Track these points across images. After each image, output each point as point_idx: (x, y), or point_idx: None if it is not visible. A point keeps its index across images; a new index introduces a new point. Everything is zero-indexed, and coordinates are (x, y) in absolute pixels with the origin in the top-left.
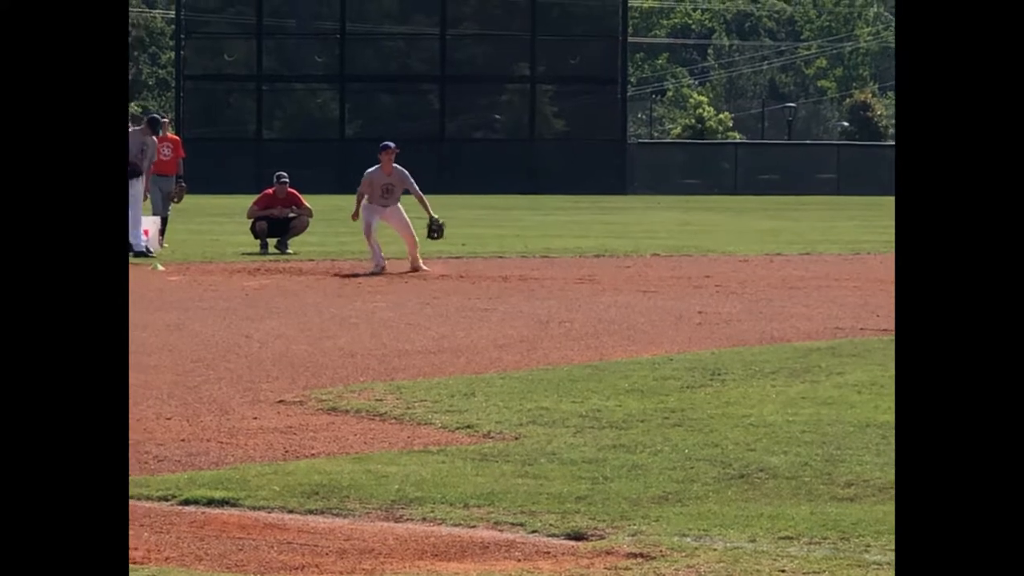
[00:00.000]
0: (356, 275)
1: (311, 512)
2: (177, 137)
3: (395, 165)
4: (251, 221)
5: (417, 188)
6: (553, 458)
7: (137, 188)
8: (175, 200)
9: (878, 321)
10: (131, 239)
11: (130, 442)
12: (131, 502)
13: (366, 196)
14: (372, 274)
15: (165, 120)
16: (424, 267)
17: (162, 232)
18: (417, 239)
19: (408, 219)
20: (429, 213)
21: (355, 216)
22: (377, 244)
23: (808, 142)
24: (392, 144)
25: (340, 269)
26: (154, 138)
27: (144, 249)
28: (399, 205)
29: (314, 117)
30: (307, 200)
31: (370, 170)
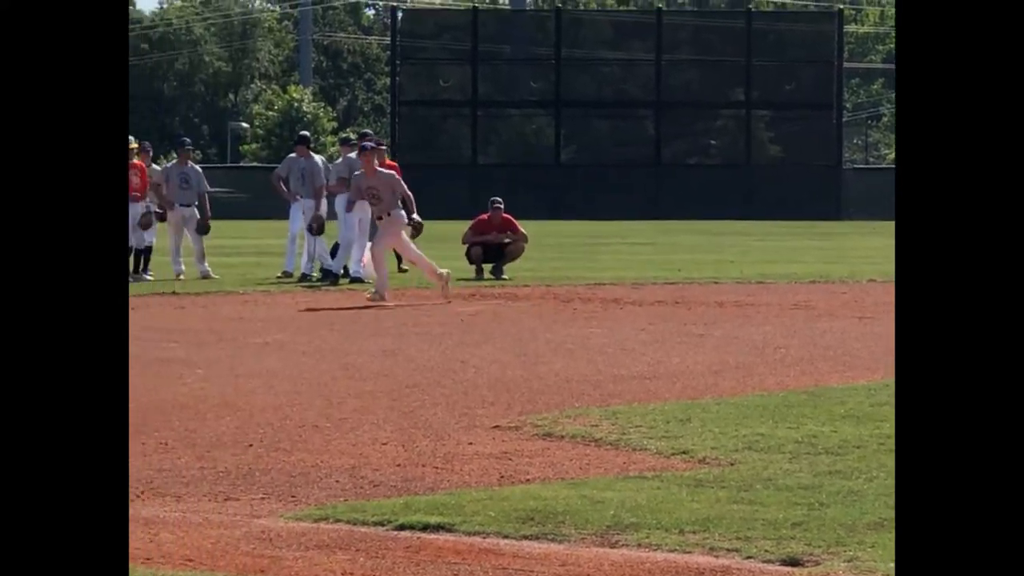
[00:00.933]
0: (377, 306)
1: (526, 537)
2: (395, 164)
3: (380, 169)
4: (466, 247)
5: (406, 189)
6: (769, 484)
7: (361, 213)
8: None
9: None
10: (352, 266)
11: (346, 467)
12: (347, 527)
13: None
14: (372, 301)
15: (382, 147)
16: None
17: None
18: (421, 257)
19: (407, 238)
20: (411, 214)
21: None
22: (384, 268)
23: None
24: (371, 143)
25: (556, 294)
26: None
27: (360, 275)
28: (395, 218)
29: (529, 142)
30: (522, 225)
31: (356, 173)
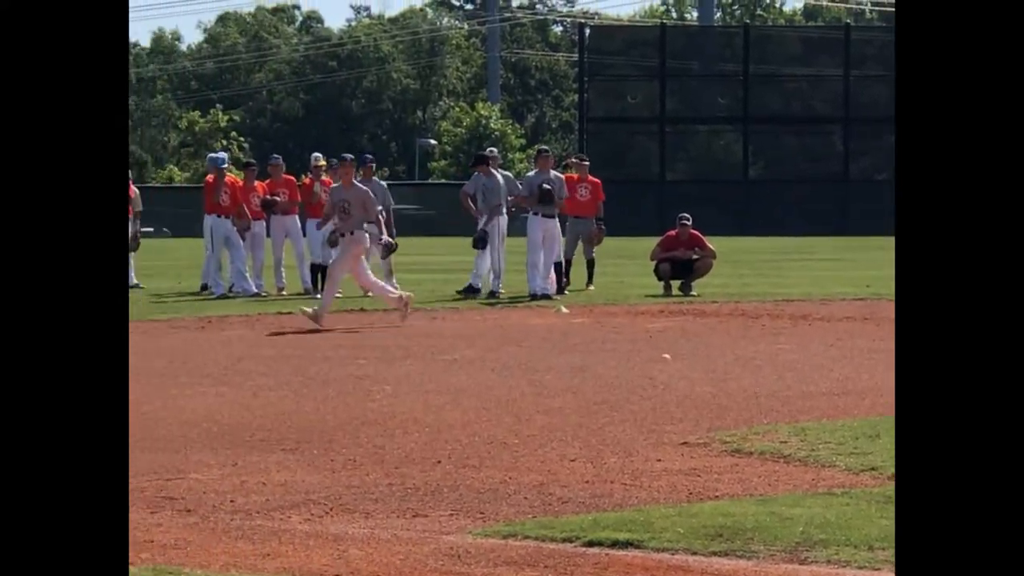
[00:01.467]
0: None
1: (715, 554)
2: (598, 180)
3: (357, 184)
4: (654, 263)
5: (379, 209)
6: None
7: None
8: (596, 243)
9: None
10: (533, 285)
11: (535, 484)
12: (535, 543)
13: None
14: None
15: (586, 162)
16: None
17: (590, 276)
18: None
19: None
20: (386, 233)
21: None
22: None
23: None
24: (349, 156)
25: (744, 311)
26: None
27: (545, 292)
28: (357, 238)
29: (717, 158)
30: (710, 241)
31: (334, 186)
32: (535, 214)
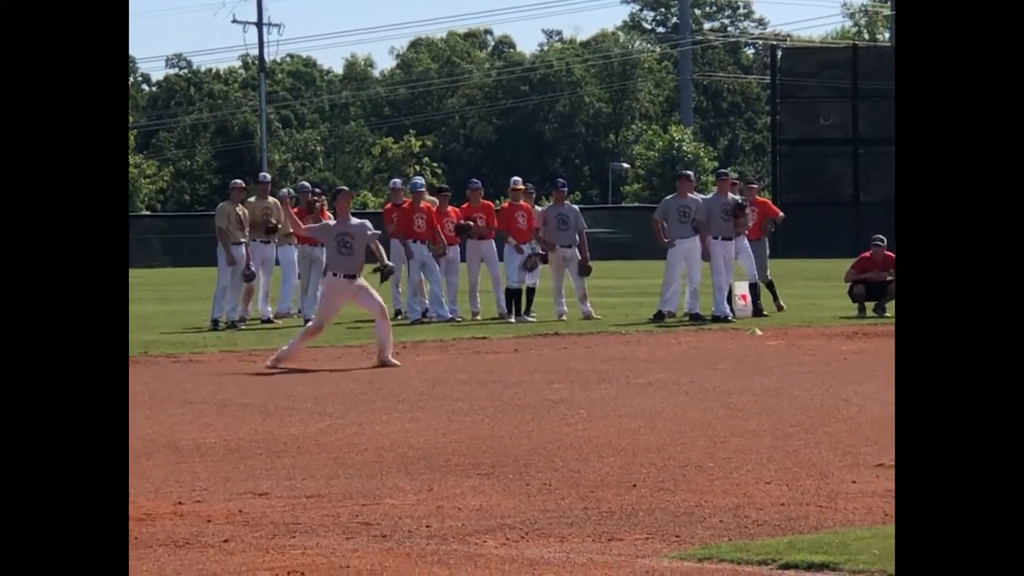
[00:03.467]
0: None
1: None
2: (765, 200)
3: (353, 218)
4: (849, 284)
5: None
6: None
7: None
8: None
9: None
10: (717, 307)
11: (730, 506)
12: (731, 566)
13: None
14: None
15: (753, 185)
16: (394, 362)
17: (775, 296)
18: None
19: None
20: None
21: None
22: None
23: None
24: (346, 188)
25: None
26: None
27: (726, 315)
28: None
29: None
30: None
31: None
32: (715, 238)
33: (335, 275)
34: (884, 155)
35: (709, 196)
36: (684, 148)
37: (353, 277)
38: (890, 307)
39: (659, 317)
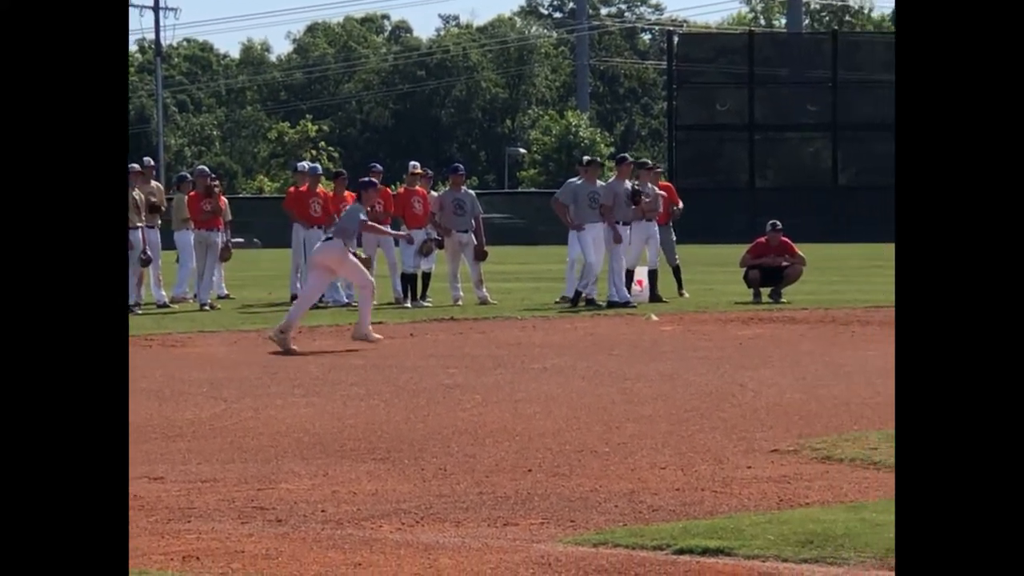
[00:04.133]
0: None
1: (806, 561)
2: (669, 184)
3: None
4: (744, 270)
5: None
6: None
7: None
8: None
9: None
10: (616, 293)
11: (625, 492)
12: (626, 551)
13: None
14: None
15: (659, 169)
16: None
17: (679, 282)
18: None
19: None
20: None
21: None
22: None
23: None
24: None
25: (834, 317)
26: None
27: (626, 300)
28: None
29: (806, 165)
30: (800, 248)
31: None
32: (617, 222)
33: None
34: (780, 141)
35: (611, 181)
36: (580, 133)
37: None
38: (786, 292)
39: (576, 300)
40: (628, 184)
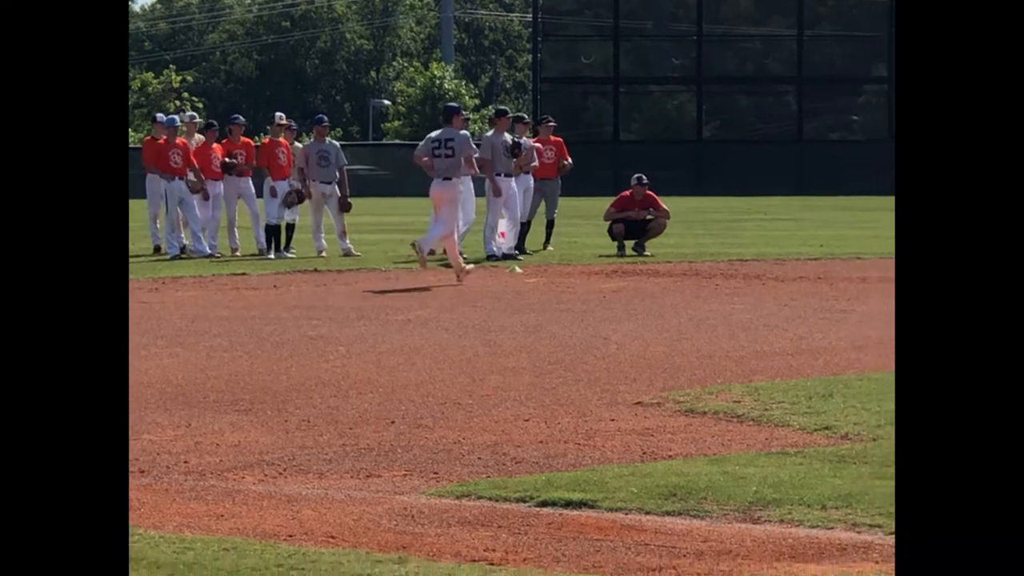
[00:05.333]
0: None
1: (668, 514)
2: (560, 139)
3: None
4: (608, 223)
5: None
6: None
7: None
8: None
9: None
10: (488, 245)
11: (488, 444)
12: (489, 503)
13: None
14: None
15: (552, 123)
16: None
17: (548, 237)
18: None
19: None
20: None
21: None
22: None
23: None
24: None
25: (698, 271)
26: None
27: (496, 252)
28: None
29: (671, 119)
30: (664, 202)
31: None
32: (497, 175)
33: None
34: (644, 94)
35: (490, 134)
36: (445, 85)
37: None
38: (650, 245)
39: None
40: (508, 137)
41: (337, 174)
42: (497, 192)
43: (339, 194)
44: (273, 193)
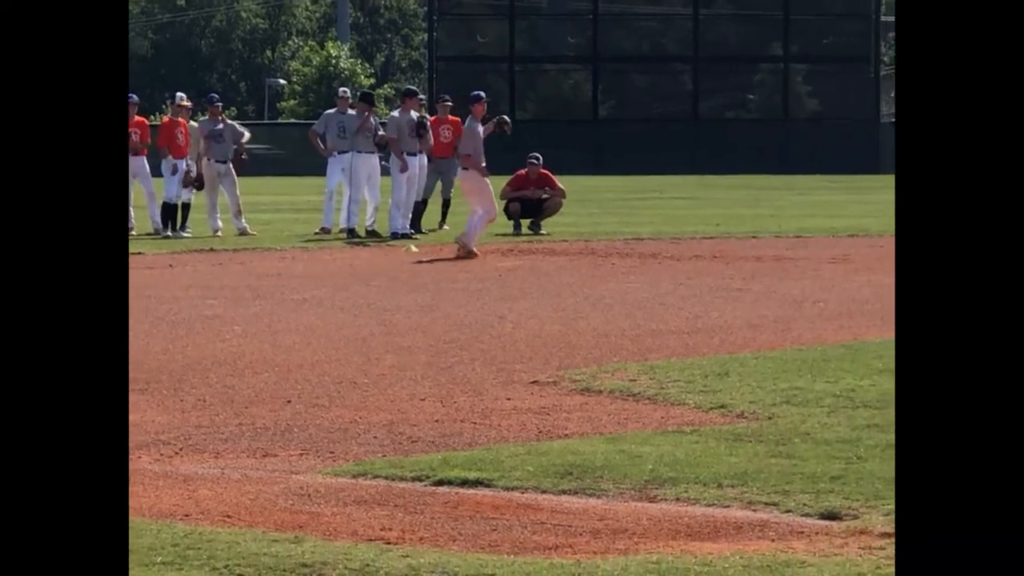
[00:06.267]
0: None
1: (564, 492)
2: (457, 119)
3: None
4: (504, 202)
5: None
6: (807, 438)
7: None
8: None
9: None
10: (394, 223)
11: (384, 423)
12: (385, 483)
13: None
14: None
15: (449, 103)
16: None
17: (444, 216)
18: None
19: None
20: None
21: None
22: None
23: None
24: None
25: (594, 249)
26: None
27: (405, 231)
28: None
29: (567, 98)
30: (560, 181)
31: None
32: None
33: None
34: (540, 73)
35: (396, 113)
36: (341, 65)
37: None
38: (546, 224)
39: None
40: (414, 115)
41: (232, 152)
42: (403, 169)
43: (234, 173)
44: (173, 171)
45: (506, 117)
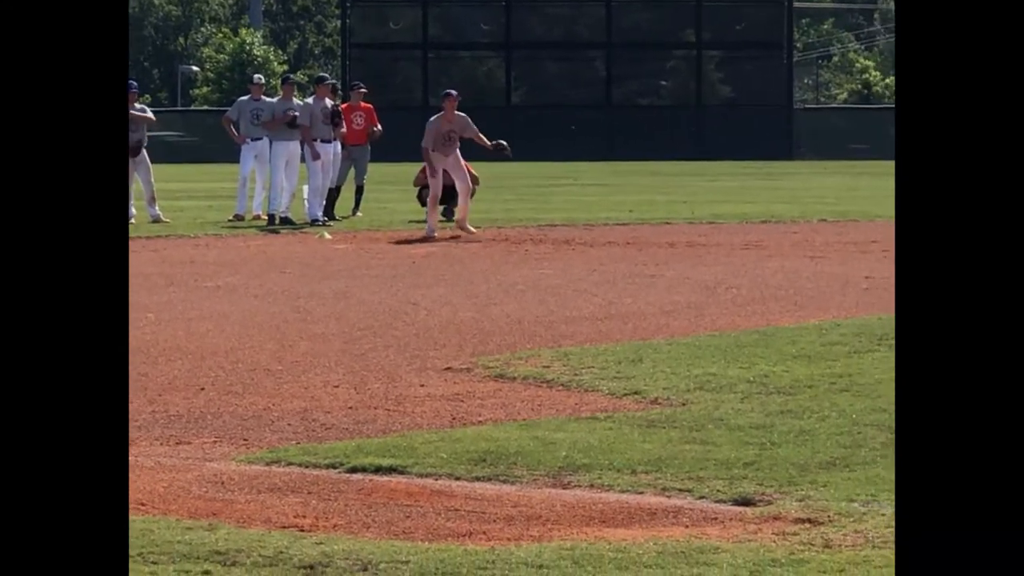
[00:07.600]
0: (424, 242)
1: (478, 479)
2: (370, 105)
3: (457, 112)
4: (417, 189)
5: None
6: (720, 424)
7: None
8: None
9: None
10: (309, 209)
11: (298, 410)
12: (299, 470)
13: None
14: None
15: (363, 90)
16: (472, 230)
17: (358, 203)
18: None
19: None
20: (487, 143)
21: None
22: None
23: None
24: (454, 92)
25: (507, 236)
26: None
27: (319, 219)
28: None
29: (480, 84)
30: (473, 167)
31: (433, 119)
32: (313, 140)
33: None
34: (453, 59)
35: (310, 100)
36: (254, 51)
37: None
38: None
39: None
40: (328, 103)
41: (145, 139)
42: (315, 156)
43: (148, 160)
44: None
45: (503, 142)
